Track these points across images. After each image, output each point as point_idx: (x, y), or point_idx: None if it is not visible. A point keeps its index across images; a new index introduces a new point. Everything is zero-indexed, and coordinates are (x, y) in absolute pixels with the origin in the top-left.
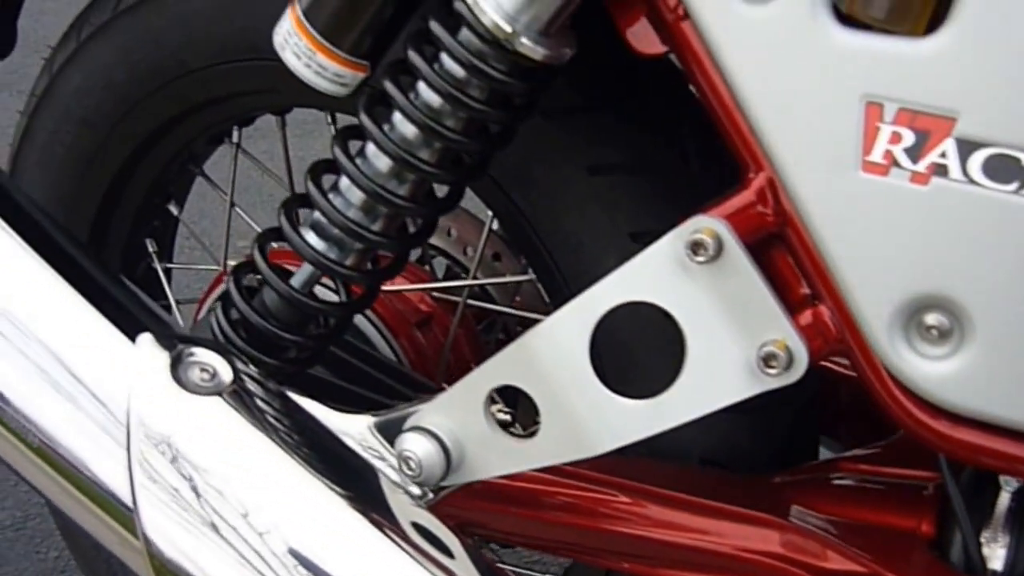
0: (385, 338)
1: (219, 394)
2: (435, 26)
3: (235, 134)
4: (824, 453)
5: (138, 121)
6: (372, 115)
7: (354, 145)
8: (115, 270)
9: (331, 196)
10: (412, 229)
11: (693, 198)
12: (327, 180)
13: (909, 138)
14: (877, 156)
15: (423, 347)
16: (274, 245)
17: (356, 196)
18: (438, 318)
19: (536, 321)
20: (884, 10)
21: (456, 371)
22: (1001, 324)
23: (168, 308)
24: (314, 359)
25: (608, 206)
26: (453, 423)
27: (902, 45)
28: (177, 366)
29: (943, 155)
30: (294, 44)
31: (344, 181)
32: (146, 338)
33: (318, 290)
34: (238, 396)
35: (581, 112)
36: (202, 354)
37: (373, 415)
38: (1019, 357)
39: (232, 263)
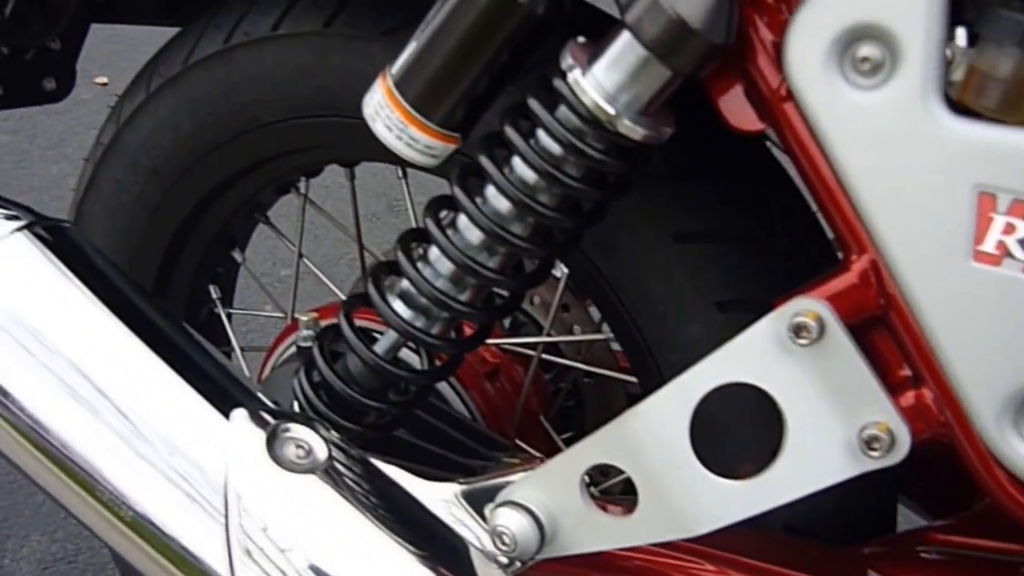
0: (455, 390)
1: (314, 471)
2: (533, 103)
3: (303, 185)
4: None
5: (206, 172)
6: (465, 187)
7: (445, 215)
8: (178, 316)
9: (420, 265)
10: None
11: (780, 269)
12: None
13: (1022, 230)
14: (989, 246)
15: (492, 398)
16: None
17: (446, 267)
18: (506, 368)
19: (606, 377)
20: (996, 100)
21: (525, 423)
22: None
23: (229, 354)
24: (394, 425)
25: (694, 274)
26: (548, 499)
27: (1016, 135)
28: (273, 443)
29: None
30: (386, 116)
31: (434, 251)
32: (241, 414)
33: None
34: (331, 472)
35: (668, 180)
36: (297, 430)
37: (460, 483)
38: None
39: (300, 315)
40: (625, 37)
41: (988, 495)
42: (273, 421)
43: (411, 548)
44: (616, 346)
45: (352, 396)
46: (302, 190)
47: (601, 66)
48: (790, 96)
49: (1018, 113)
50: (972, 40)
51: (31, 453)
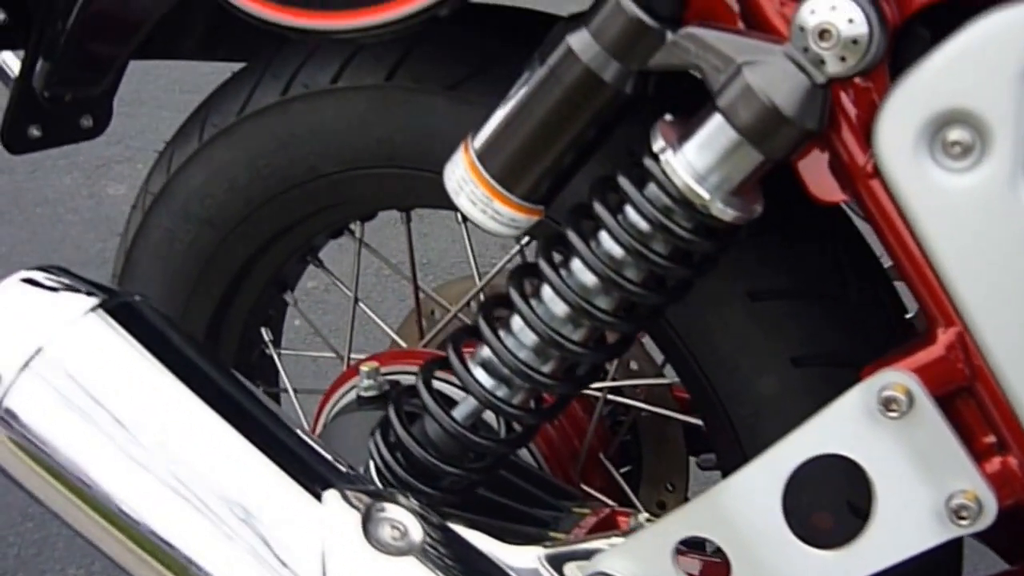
0: None
1: (411, 553)
2: (623, 181)
3: (358, 229)
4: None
5: (262, 222)
6: (549, 260)
7: (528, 285)
8: (230, 360)
9: (503, 335)
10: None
11: (853, 323)
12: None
13: None
14: None
15: (555, 441)
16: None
17: (529, 338)
18: (568, 411)
19: (668, 419)
20: None
21: (588, 466)
22: None
23: (276, 397)
24: (471, 489)
25: (769, 330)
26: (638, 570)
27: None
28: (368, 525)
29: None
30: (470, 191)
31: (517, 322)
32: (334, 496)
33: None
34: (427, 552)
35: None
36: (391, 510)
37: (544, 547)
38: None
39: (361, 364)
40: (717, 120)
41: None
42: (367, 501)
43: None
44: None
45: (431, 462)
46: (357, 234)
47: (692, 147)
48: (877, 173)
49: None
50: None
51: (120, 540)
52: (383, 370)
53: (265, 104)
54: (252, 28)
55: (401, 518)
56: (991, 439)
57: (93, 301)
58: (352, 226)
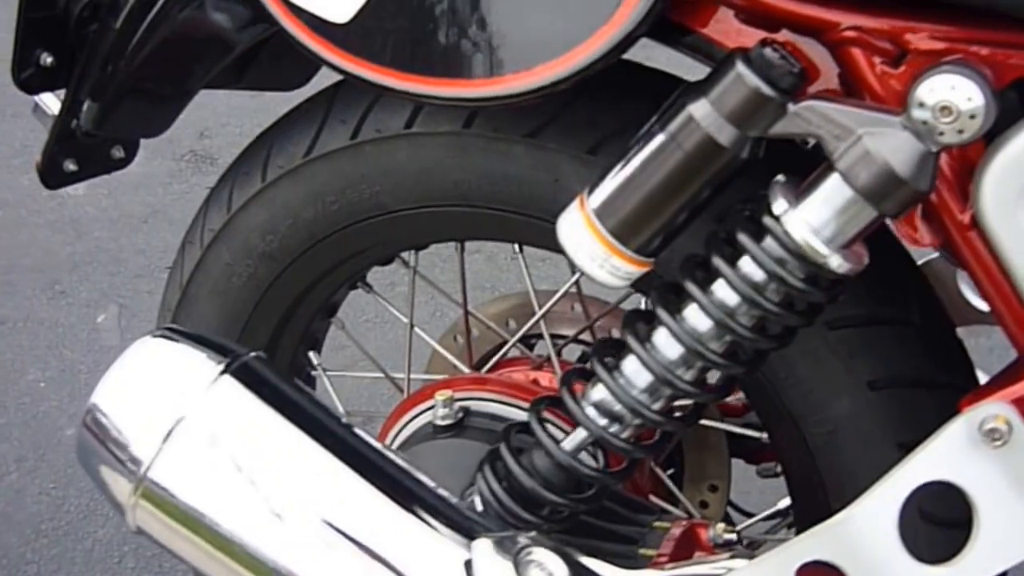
0: None
1: None
2: (742, 237)
3: (412, 258)
4: None
5: (324, 254)
6: (666, 307)
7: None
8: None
9: (617, 376)
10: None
11: (918, 347)
12: None
13: None
14: None
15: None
16: None
17: (643, 379)
18: None
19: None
20: None
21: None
22: None
23: None
24: (572, 518)
25: (844, 357)
26: None
27: None
28: (519, 570)
29: None
30: (589, 250)
31: (632, 363)
32: (484, 545)
33: None
34: None
35: (905, 384)
36: (537, 553)
37: (665, 571)
38: None
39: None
40: (835, 181)
41: None
42: (514, 548)
43: None
44: None
45: (542, 494)
46: (411, 263)
47: (810, 206)
48: (975, 225)
49: None
50: None
51: None
52: (457, 398)
53: (334, 147)
54: (285, 62)
55: (545, 560)
56: None
57: (220, 366)
58: (405, 255)
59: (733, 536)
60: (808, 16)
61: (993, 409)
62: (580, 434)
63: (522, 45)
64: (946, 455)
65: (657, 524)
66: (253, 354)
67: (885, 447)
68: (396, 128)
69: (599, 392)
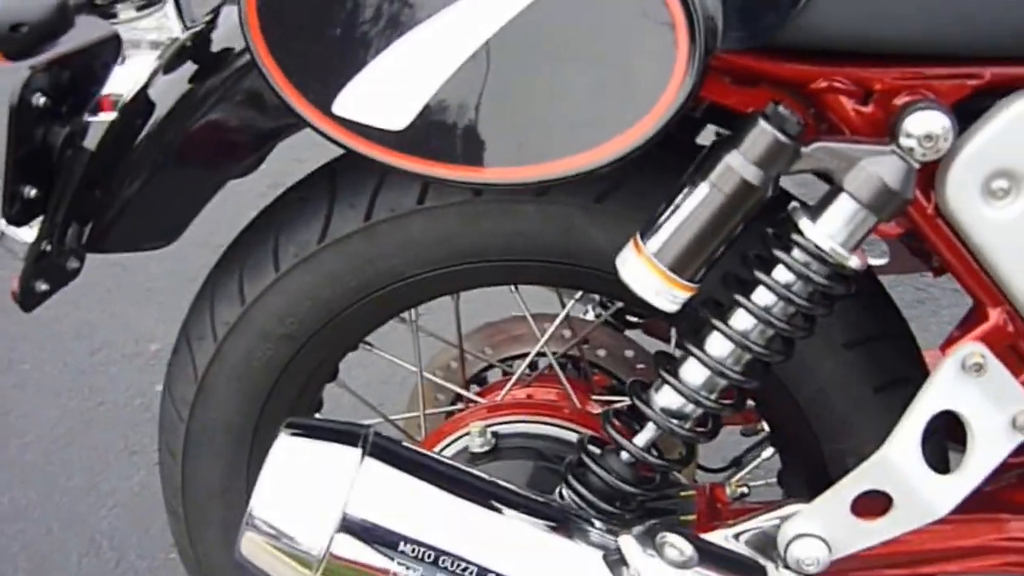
0: None
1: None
2: (777, 251)
3: (411, 313)
4: None
5: (340, 326)
6: (715, 316)
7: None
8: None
9: (679, 378)
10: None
11: (904, 352)
12: None
13: None
14: None
15: None
16: None
17: (702, 376)
18: None
19: None
20: None
21: None
22: None
23: None
24: (642, 506)
25: (822, 328)
26: (828, 524)
27: None
28: (663, 555)
29: None
30: (653, 285)
31: (691, 365)
32: (628, 539)
33: None
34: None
35: (872, 341)
36: (669, 537)
37: (735, 528)
38: None
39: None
40: (844, 198)
41: None
42: (651, 537)
43: None
44: None
45: (623, 488)
46: (410, 317)
47: (827, 220)
48: (939, 213)
49: None
50: None
51: None
52: (484, 426)
53: (348, 231)
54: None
55: (675, 541)
56: None
57: (358, 450)
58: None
59: (746, 490)
60: (795, 72)
61: (970, 348)
62: (649, 431)
63: (578, 131)
64: (943, 390)
65: (683, 494)
66: (371, 431)
67: (864, 393)
68: (409, 206)
69: (665, 394)
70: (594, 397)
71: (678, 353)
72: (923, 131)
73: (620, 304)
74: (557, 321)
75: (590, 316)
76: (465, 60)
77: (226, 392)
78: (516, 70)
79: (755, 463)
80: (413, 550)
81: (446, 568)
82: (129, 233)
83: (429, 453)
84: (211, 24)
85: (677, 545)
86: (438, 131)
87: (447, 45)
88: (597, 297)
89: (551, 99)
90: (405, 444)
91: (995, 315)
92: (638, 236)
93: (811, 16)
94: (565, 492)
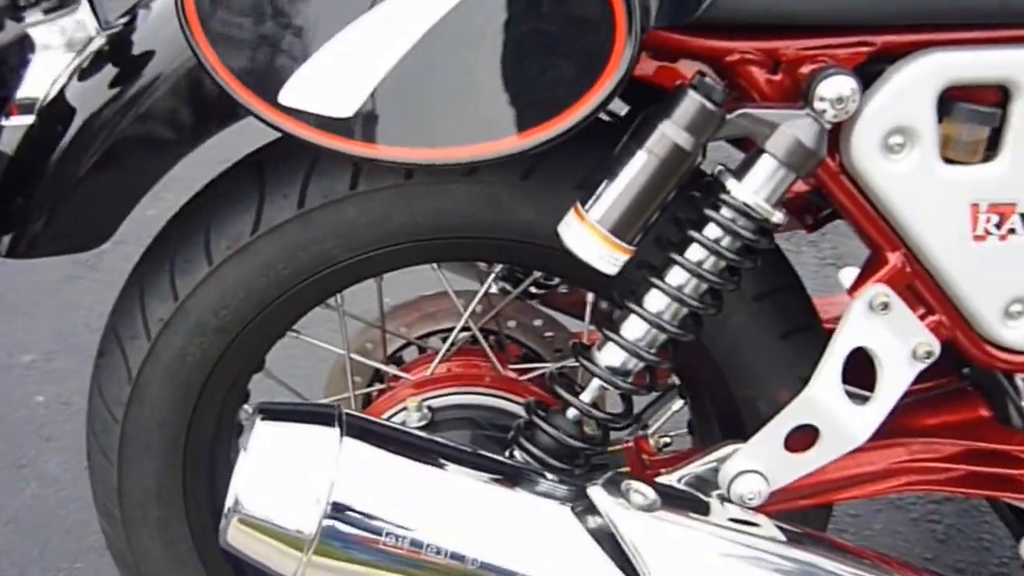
0: None
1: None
2: (707, 210)
3: (338, 299)
4: None
5: (272, 316)
6: (651, 274)
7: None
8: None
9: (620, 335)
10: None
11: (773, 267)
12: None
13: (995, 219)
14: (980, 231)
15: None
16: None
17: (642, 330)
18: None
19: None
20: (963, 154)
21: None
22: None
23: None
24: (588, 462)
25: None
26: (765, 460)
27: (981, 171)
28: (630, 499)
29: (1013, 224)
30: (597, 250)
31: (632, 322)
32: (597, 489)
33: None
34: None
35: (776, 292)
36: (632, 483)
37: (678, 472)
38: None
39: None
40: (766, 159)
41: (979, 363)
42: (618, 485)
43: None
44: None
45: (572, 444)
46: (339, 301)
47: (752, 179)
48: (843, 170)
49: (976, 158)
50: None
51: None
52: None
53: (282, 220)
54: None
55: (637, 486)
56: (923, 310)
57: (336, 429)
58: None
59: (668, 439)
60: (712, 47)
61: (876, 289)
62: (593, 389)
63: (525, 110)
64: (855, 329)
65: (612, 449)
66: (341, 409)
67: (772, 341)
68: (342, 191)
69: (609, 352)
70: (511, 366)
71: (616, 313)
72: (835, 94)
73: (533, 277)
74: (479, 296)
75: (493, 290)
76: (411, 45)
77: (160, 390)
78: (459, 56)
79: (667, 415)
80: (400, 518)
81: (432, 532)
82: (58, 238)
83: (396, 426)
84: (129, 27)
85: (641, 491)
86: (385, 116)
87: (392, 31)
88: (497, 272)
89: (499, 81)
90: (373, 419)
91: (894, 258)
92: (579, 204)
93: None
94: (517, 454)
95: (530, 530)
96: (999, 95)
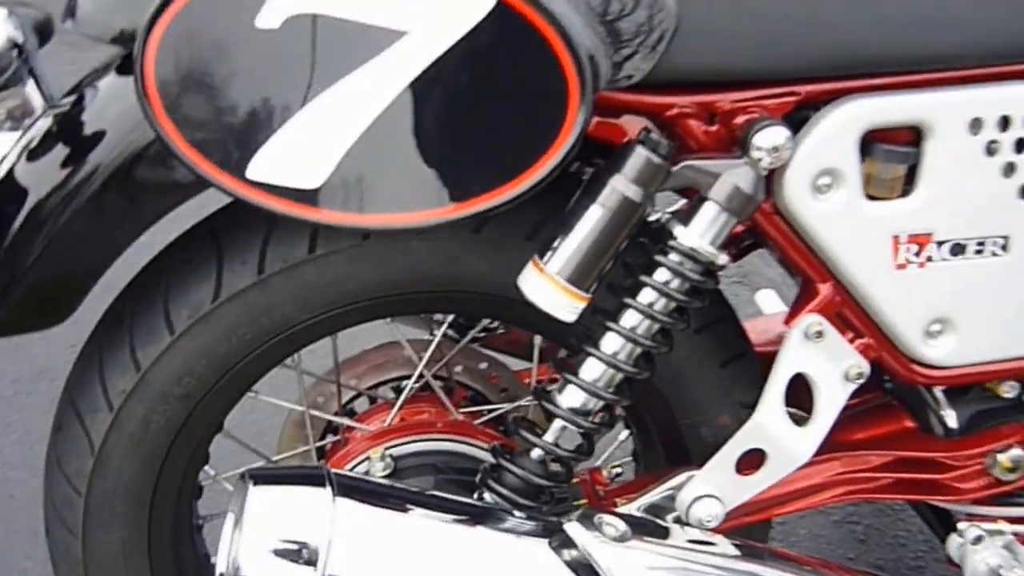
0: None
1: (631, 537)
2: (657, 256)
3: (295, 357)
4: None
5: (234, 379)
6: (607, 318)
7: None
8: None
9: (579, 377)
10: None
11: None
12: None
13: (914, 249)
14: (901, 260)
15: None
16: None
17: (599, 371)
18: None
19: None
20: (884, 191)
21: None
22: (969, 327)
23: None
24: (555, 498)
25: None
26: (719, 484)
27: (900, 205)
28: (603, 532)
29: (930, 252)
30: (557, 300)
31: (590, 364)
32: (574, 525)
33: None
34: (634, 533)
35: (715, 324)
36: (604, 517)
37: (638, 501)
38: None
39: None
40: (709, 205)
41: (902, 377)
42: (591, 520)
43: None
44: None
45: (537, 482)
46: (296, 360)
47: (697, 225)
48: (776, 211)
49: (895, 193)
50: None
51: None
52: (380, 451)
53: (243, 286)
54: None
55: (609, 519)
56: (852, 334)
57: (328, 489)
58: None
59: (620, 469)
60: (653, 103)
61: (810, 319)
62: (555, 430)
63: (483, 175)
64: (793, 357)
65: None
66: (328, 470)
67: (713, 370)
68: (301, 255)
69: (570, 394)
70: (462, 410)
71: (576, 357)
72: (770, 144)
73: (481, 324)
74: (432, 345)
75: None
76: (373, 120)
77: (124, 460)
78: (419, 126)
79: (613, 446)
80: (397, 571)
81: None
82: (14, 320)
83: (380, 481)
84: (77, 106)
85: (612, 523)
86: (349, 185)
87: (355, 105)
88: (449, 321)
89: (457, 149)
90: (359, 476)
91: (825, 289)
92: (537, 257)
93: (671, 57)
94: (487, 496)
95: (517, 568)
96: (913, 135)
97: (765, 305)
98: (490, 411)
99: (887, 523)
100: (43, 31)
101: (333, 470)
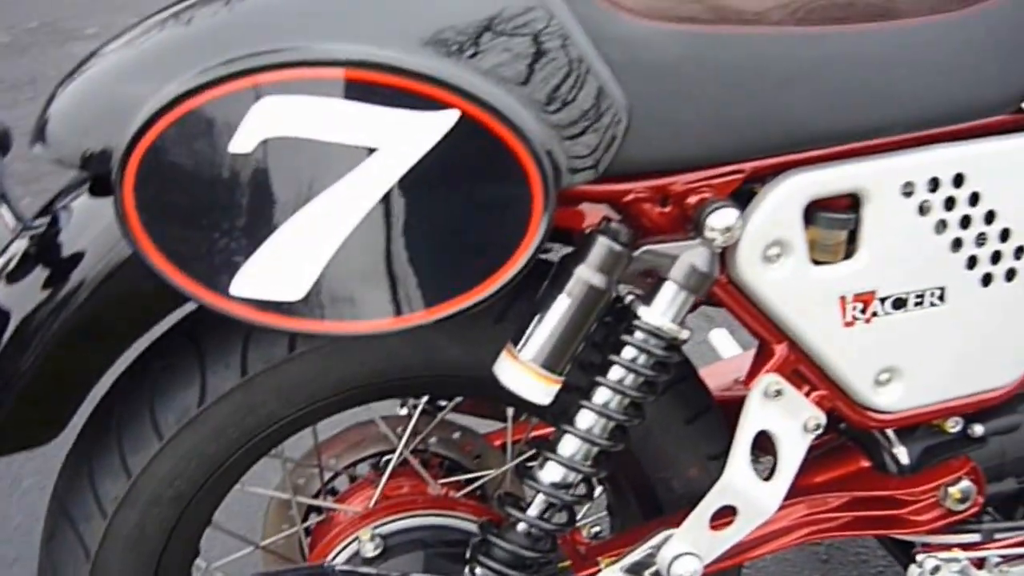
0: None
1: None
2: (624, 336)
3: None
4: None
5: (223, 476)
6: (581, 396)
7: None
8: None
9: (557, 454)
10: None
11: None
12: None
13: (860, 306)
14: (848, 318)
15: None
16: None
17: (575, 447)
18: None
19: None
20: (828, 255)
21: None
22: (915, 373)
23: None
24: (544, 568)
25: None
26: (695, 541)
27: (844, 268)
28: None
29: (875, 308)
30: (532, 386)
31: (567, 441)
32: None
33: None
34: None
35: (678, 384)
36: None
37: (617, 561)
38: (925, 385)
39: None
40: (669, 285)
41: (856, 423)
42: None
43: None
44: None
45: (528, 556)
46: (279, 450)
47: (659, 304)
48: (731, 281)
49: (839, 256)
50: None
51: None
52: (371, 532)
53: (227, 388)
54: None
55: None
56: (808, 387)
57: None
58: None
59: (599, 528)
60: (610, 191)
61: (768, 379)
62: (539, 504)
63: (453, 281)
64: (755, 416)
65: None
66: (331, 566)
67: (679, 427)
68: (282, 355)
69: (550, 470)
70: (440, 481)
71: (552, 434)
72: (722, 225)
73: (454, 401)
74: (412, 423)
75: (402, 412)
76: (349, 233)
77: (121, 564)
78: (395, 235)
79: (588, 504)
80: None
81: None
82: (6, 440)
83: (381, 573)
84: (52, 227)
85: None
86: (328, 296)
87: (331, 222)
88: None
89: (429, 257)
90: (359, 570)
91: (780, 350)
92: (511, 345)
93: (625, 151)
94: (478, 571)
95: None
96: (851, 201)
97: (719, 344)
98: (468, 481)
99: (847, 542)
100: (2, 145)
101: (337, 567)
